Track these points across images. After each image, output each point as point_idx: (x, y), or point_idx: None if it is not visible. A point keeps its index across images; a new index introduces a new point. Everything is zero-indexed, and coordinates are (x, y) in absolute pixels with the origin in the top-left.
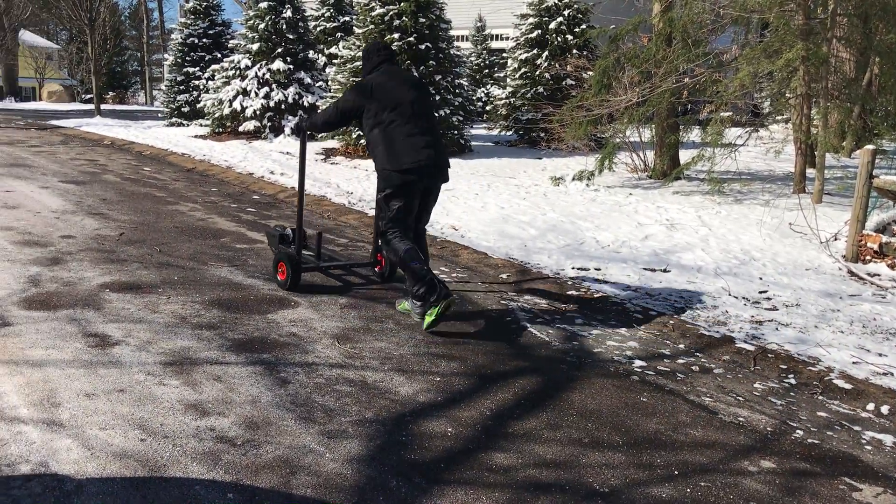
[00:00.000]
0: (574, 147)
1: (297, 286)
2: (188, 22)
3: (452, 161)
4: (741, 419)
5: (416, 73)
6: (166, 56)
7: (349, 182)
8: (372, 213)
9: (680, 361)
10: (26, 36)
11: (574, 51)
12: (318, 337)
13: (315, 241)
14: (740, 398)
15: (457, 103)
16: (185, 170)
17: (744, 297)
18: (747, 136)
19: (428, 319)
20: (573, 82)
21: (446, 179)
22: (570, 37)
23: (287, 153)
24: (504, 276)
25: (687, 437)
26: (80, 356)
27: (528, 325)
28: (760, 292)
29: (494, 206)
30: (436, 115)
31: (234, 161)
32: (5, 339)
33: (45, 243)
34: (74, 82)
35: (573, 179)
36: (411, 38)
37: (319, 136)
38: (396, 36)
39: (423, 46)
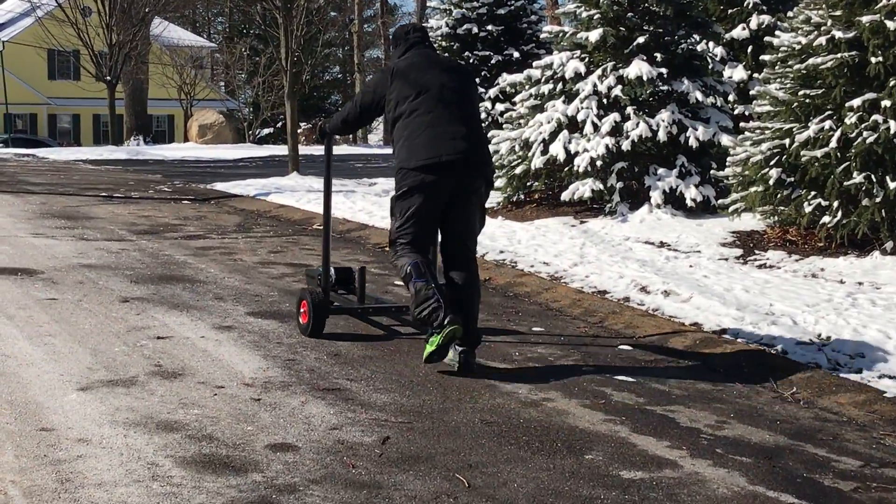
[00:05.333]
0: None
1: (320, 332)
2: None
3: None
4: None
5: None
6: None
7: (815, 312)
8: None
9: None
10: (167, 32)
11: None
12: None
13: (358, 280)
14: None
15: None
16: None
17: None
18: None
19: (428, 349)
20: None
21: (488, 180)
22: None
23: (662, 245)
24: None
25: None
26: None
27: None
28: None
29: None
30: (477, 104)
31: (560, 264)
32: None
33: (243, 464)
34: (238, 105)
35: None
36: None
37: (725, 209)
38: None
39: None
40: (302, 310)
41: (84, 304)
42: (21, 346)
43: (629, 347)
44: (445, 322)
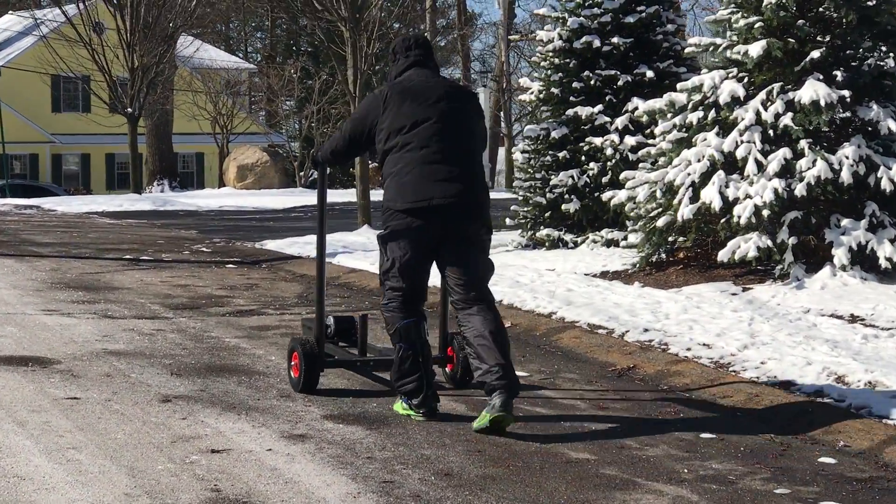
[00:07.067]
0: None
1: (312, 388)
2: (578, 3)
3: None
4: None
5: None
6: (517, 84)
7: None
8: None
9: None
10: (199, 53)
11: None
12: None
13: (359, 330)
14: None
15: None
16: (606, 372)
17: None
18: None
19: (398, 408)
20: None
21: (487, 225)
22: None
23: (854, 319)
24: None
25: None
26: None
27: None
28: None
29: None
30: (479, 137)
31: (725, 347)
32: None
33: None
34: (285, 140)
35: None
36: None
37: None
38: None
39: None
40: (293, 362)
41: (114, 405)
42: (37, 462)
43: (832, 461)
44: (425, 407)
